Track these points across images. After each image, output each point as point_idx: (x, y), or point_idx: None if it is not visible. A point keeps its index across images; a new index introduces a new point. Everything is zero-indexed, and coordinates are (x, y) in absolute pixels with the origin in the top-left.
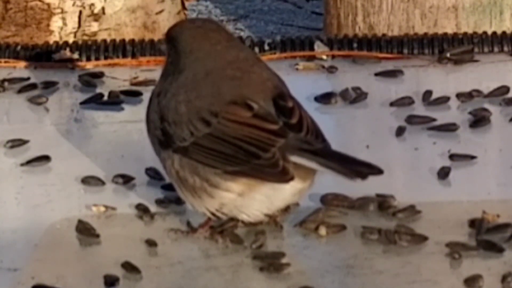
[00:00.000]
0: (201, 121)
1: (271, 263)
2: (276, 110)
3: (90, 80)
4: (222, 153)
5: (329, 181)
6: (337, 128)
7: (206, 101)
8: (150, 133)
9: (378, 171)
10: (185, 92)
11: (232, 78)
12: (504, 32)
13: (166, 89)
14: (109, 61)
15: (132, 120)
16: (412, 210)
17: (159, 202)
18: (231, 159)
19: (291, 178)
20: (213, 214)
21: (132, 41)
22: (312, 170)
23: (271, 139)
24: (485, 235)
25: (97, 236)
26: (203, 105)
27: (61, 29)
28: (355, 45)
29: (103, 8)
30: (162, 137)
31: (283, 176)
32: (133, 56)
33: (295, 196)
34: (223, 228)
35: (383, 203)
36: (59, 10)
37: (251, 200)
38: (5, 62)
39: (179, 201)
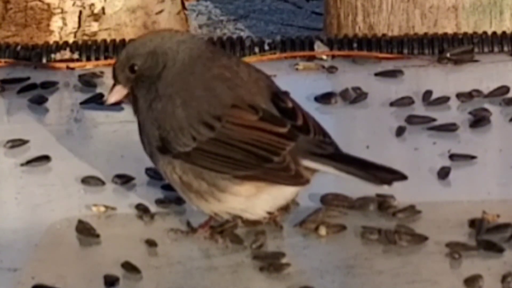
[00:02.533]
0: (203, 125)
1: (271, 263)
2: (279, 112)
3: (90, 80)
4: (230, 158)
5: (329, 181)
6: (337, 128)
7: (204, 102)
8: (147, 147)
9: (401, 176)
10: (178, 93)
11: (222, 78)
12: (504, 32)
13: (157, 94)
14: (109, 61)
15: (132, 120)
16: (412, 210)
17: (159, 202)
18: (240, 163)
19: (307, 181)
20: (217, 214)
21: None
22: (313, 169)
23: (281, 143)
24: (485, 235)
25: (97, 236)
26: (201, 107)
27: (61, 29)
28: (355, 45)
29: (103, 8)
30: (160, 143)
31: (299, 179)
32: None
33: (295, 194)
34: (223, 228)
35: (383, 203)
36: (59, 10)
37: (257, 200)
38: (5, 62)
39: (179, 201)
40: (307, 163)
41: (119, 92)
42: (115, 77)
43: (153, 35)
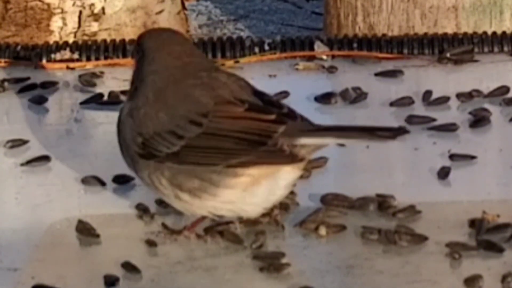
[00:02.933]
0: (190, 124)
1: (271, 263)
2: (263, 103)
3: (90, 80)
4: (221, 148)
5: (329, 181)
6: None
7: (186, 105)
8: (127, 153)
9: (404, 131)
10: (159, 101)
11: (199, 84)
12: (504, 32)
13: (135, 106)
14: (109, 61)
15: None
16: (412, 210)
17: (159, 202)
18: (233, 151)
19: (302, 159)
20: (211, 212)
21: (132, 41)
22: (311, 147)
23: (272, 127)
24: (485, 235)
25: (97, 236)
26: (184, 109)
27: (61, 29)
28: (355, 45)
29: (103, 8)
30: (143, 150)
31: (294, 158)
32: (133, 56)
33: (291, 187)
34: (217, 228)
35: (383, 203)
36: (59, 10)
37: (253, 194)
38: (5, 62)
39: None
40: (305, 140)
41: None
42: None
43: (161, 41)
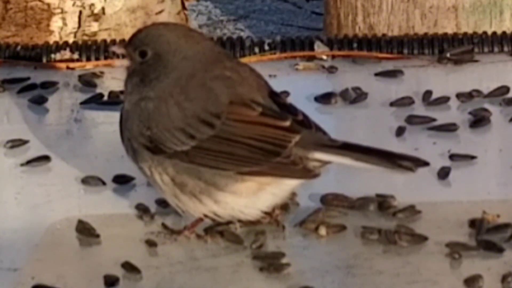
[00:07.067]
0: (202, 124)
1: (271, 263)
2: (278, 107)
3: (90, 80)
4: (234, 154)
5: (329, 181)
6: (337, 128)
7: (200, 102)
8: (128, 142)
9: (423, 163)
10: (173, 95)
11: (221, 78)
12: (504, 32)
13: (149, 95)
14: (109, 61)
15: None
16: (412, 210)
17: (159, 202)
18: (245, 159)
19: (316, 175)
20: (207, 216)
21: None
22: (323, 162)
23: (286, 136)
24: (485, 235)
25: (97, 236)
26: (198, 106)
27: (61, 29)
28: (355, 45)
29: (103, 8)
30: (150, 144)
31: (307, 173)
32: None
33: (293, 191)
34: (217, 228)
35: (383, 203)
36: (59, 10)
37: (256, 199)
38: (5, 62)
39: None
40: (320, 155)
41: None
42: (125, 47)
43: (178, 31)
